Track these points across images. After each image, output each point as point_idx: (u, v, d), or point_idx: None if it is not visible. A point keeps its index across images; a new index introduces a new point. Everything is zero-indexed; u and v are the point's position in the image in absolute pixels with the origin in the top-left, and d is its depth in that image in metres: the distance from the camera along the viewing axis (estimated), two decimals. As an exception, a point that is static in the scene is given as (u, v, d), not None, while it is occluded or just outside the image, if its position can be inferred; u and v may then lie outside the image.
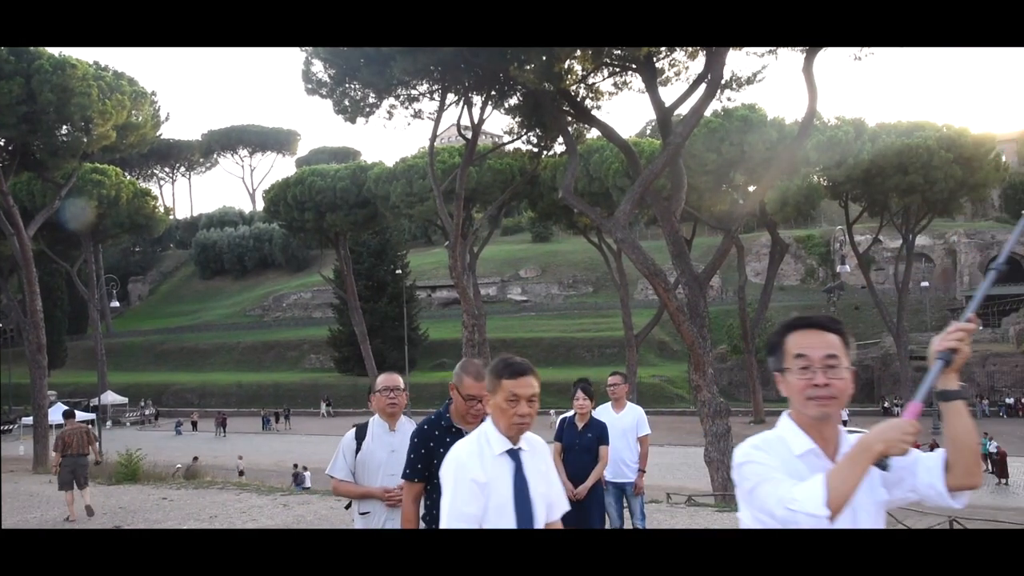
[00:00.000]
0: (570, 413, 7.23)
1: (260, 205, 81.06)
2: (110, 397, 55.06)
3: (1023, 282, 60.35)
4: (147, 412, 57.95)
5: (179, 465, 26.63)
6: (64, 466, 12.34)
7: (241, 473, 27.80)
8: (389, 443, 4.84)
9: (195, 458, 29.65)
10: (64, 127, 31.40)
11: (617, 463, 7.52)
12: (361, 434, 4.92)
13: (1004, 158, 48.70)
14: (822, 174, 43.64)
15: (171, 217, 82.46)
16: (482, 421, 3.31)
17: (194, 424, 50.03)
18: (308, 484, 24.73)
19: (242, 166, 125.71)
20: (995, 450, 28.77)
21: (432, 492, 3.78)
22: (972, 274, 61.78)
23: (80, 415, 50.27)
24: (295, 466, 28.22)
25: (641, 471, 7.87)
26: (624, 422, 7.66)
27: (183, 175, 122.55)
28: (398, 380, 5.00)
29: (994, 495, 25.83)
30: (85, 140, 31.55)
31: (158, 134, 41.35)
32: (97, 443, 13.34)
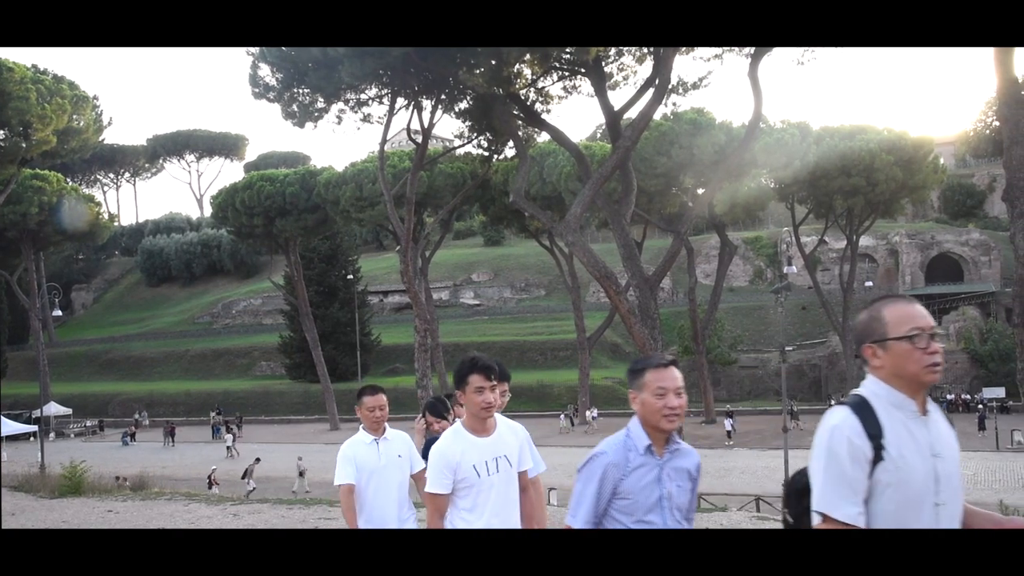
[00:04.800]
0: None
1: (208, 211, 79.86)
2: (53, 408, 53.62)
3: (962, 281, 62.18)
4: (145, 423, 56.09)
5: (250, 476, 27.12)
6: None
7: (301, 474, 28.32)
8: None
9: (257, 459, 28.81)
10: (1, 132, 30.60)
11: None
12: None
13: (942, 160, 50.11)
14: (769, 176, 44.42)
15: (116, 224, 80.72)
16: None
17: (132, 435, 48.61)
18: None
19: (189, 171, 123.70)
20: None
21: None
22: (914, 273, 63.37)
23: (21, 427, 49.06)
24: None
25: None
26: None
27: (128, 181, 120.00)
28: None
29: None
30: (24, 145, 30.81)
31: (101, 139, 40.62)
32: None
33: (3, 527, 12.23)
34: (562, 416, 44.37)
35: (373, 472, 5.17)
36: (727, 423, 40.09)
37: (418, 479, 5.21)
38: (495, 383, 3.76)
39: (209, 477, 27.37)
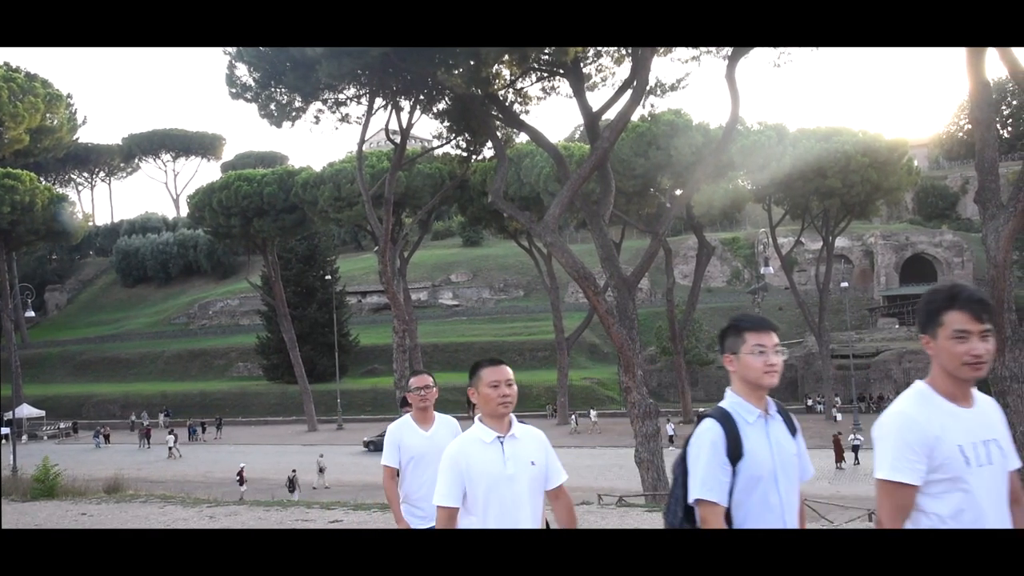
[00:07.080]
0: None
1: (184, 211, 79.13)
2: (26, 410, 52.91)
3: (935, 282, 62.93)
4: (144, 425, 55.13)
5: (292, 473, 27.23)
6: None
7: (321, 470, 29.52)
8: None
9: (293, 470, 27.75)
10: (-27, 130, 30.20)
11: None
12: None
13: (916, 163, 50.66)
14: (746, 178, 44.71)
15: (90, 224, 79.87)
16: None
17: (106, 437, 48.06)
18: None
19: (165, 171, 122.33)
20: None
21: None
22: (888, 274, 64.05)
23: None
24: None
25: None
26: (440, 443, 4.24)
27: (103, 180, 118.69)
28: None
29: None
30: (-4, 144, 30.41)
31: (75, 138, 40.24)
32: None
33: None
34: (573, 417, 44.59)
35: (493, 485, 3.32)
36: (669, 427, 36.00)
37: (555, 497, 3.51)
38: (987, 327, 2.44)
39: (239, 474, 27.51)
